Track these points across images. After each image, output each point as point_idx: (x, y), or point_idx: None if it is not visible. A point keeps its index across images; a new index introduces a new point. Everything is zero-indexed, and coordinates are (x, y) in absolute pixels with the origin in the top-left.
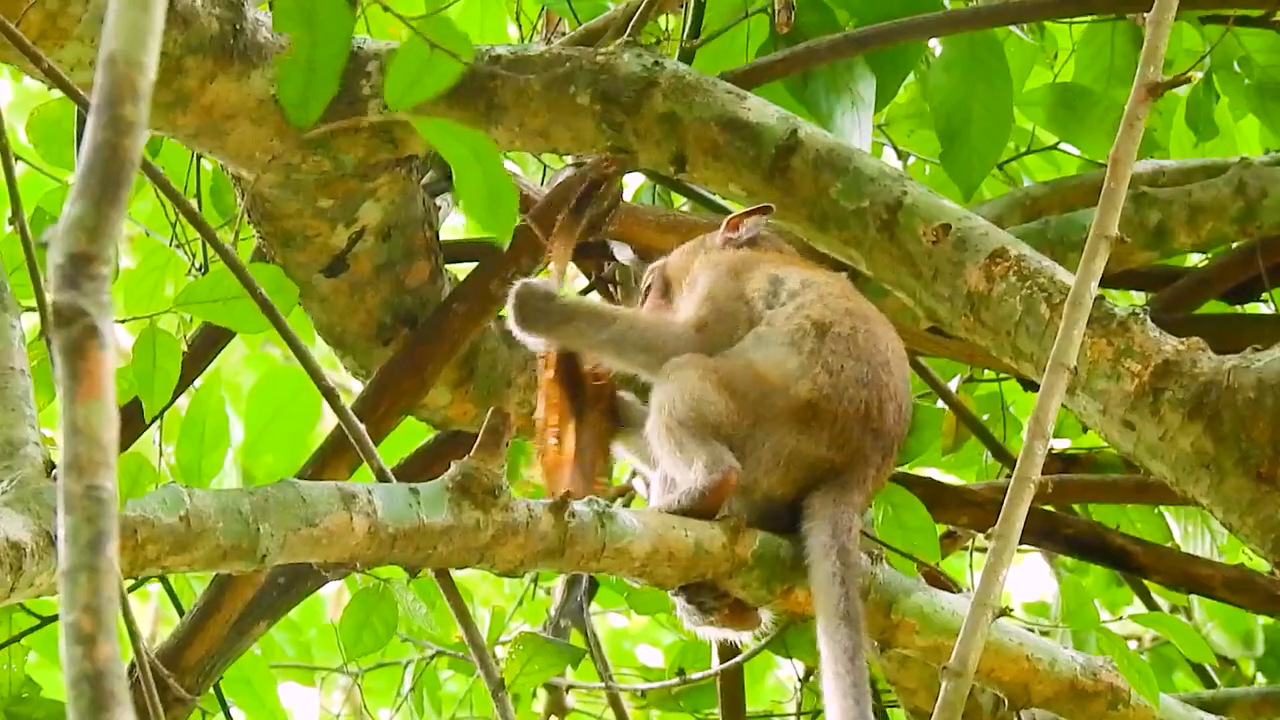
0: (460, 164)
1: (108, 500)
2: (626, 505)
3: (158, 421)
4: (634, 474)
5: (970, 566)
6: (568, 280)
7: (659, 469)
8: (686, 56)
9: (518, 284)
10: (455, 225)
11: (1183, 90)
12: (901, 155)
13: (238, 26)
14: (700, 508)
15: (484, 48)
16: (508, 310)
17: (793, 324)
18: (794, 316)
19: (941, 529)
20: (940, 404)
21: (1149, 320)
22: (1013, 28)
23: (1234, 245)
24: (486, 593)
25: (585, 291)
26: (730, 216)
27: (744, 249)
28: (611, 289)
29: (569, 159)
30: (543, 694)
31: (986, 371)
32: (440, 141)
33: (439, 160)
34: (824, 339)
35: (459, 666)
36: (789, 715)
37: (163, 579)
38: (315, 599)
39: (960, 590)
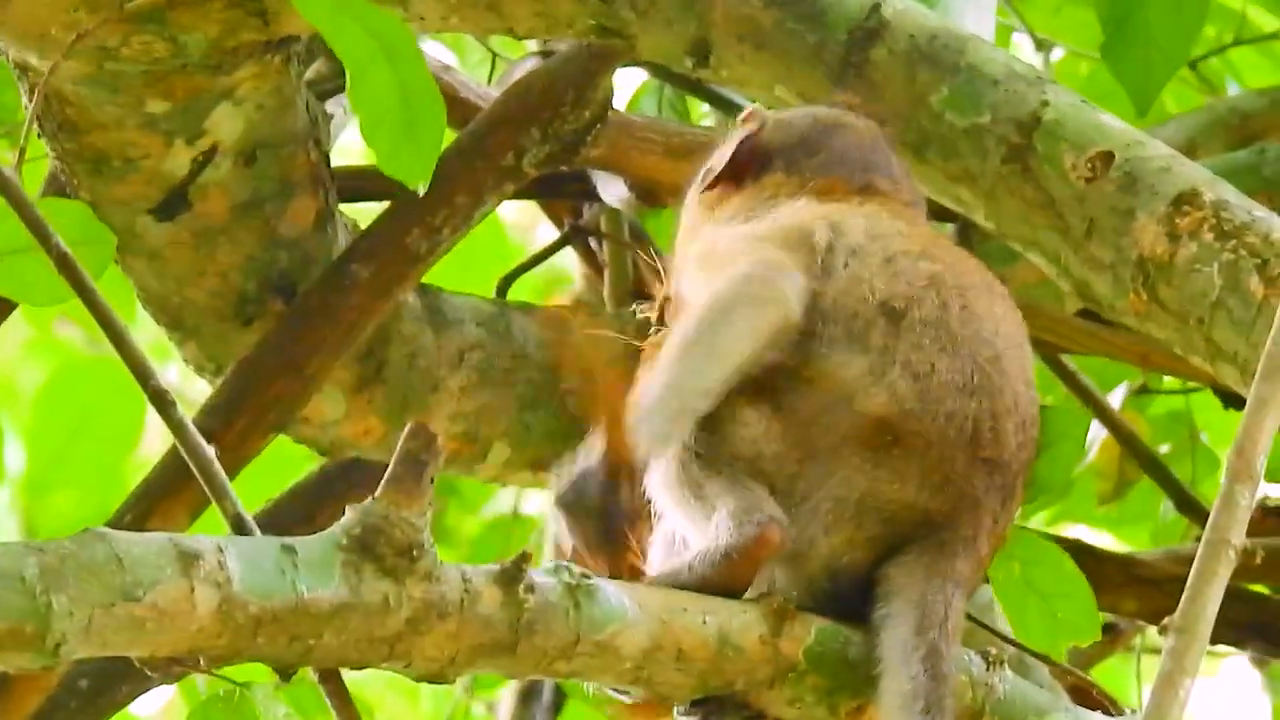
0: (358, 62)
1: None
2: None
3: None
4: None
5: (1138, 675)
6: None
7: (663, 522)
8: None
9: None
10: (357, 144)
11: None
12: (1042, 47)
13: None
14: (725, 579)
15: None
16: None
17: (850, 304)
18: (851, 291)
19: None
20: (1096, 424)
21: None
22: None
23: None
24: (396, 708)
25: (555, 248)
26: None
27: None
28: (592, 246)
29: (531, 45)
30: None
31: (1166, 379)
32: (326, 23)
33: None
34: (900, 326)
35: None
36: None
37: None
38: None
39: (1122, 712)
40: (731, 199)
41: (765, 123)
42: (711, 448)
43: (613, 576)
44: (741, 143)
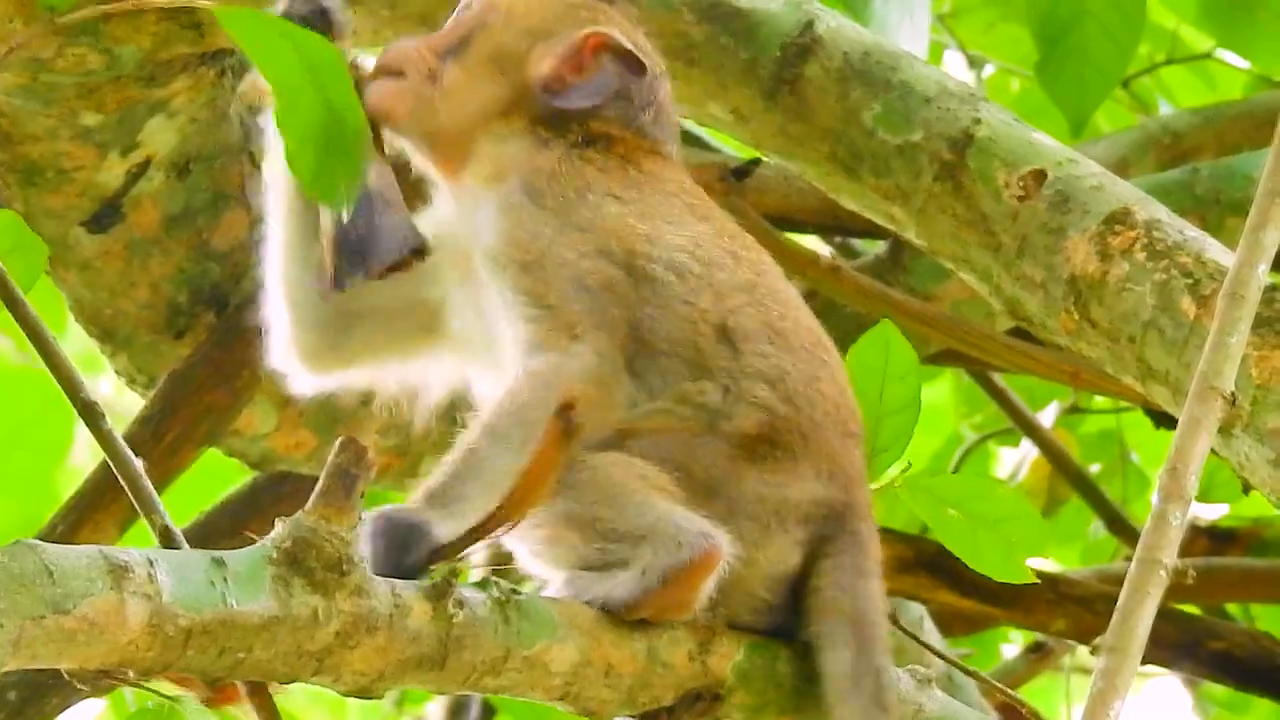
0: (284, 83)
1: None
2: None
3: None
4: None
5: (1067, 696)
6: None
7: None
8: None
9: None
10: None
11: None
12: (975, 64)
13: None
14: (667, 599)
15: None
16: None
17: (679, 334)
18: (678, 322)
19: (1028, 638)
20: (1027, 443)
21: None
22: None
23: None
24: None
25: None
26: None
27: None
28: None
29: None
30: None
31: (1097, 398)
32: (254, 45)
33: None
34: (735, 343)
35: None
36: None
37: None
38: None
39: None
40: (556, 135)
41: (652, 71)
42: (626, 521)
43: None
44: (617, 91)
